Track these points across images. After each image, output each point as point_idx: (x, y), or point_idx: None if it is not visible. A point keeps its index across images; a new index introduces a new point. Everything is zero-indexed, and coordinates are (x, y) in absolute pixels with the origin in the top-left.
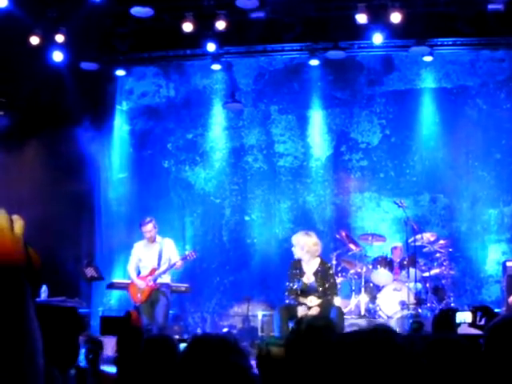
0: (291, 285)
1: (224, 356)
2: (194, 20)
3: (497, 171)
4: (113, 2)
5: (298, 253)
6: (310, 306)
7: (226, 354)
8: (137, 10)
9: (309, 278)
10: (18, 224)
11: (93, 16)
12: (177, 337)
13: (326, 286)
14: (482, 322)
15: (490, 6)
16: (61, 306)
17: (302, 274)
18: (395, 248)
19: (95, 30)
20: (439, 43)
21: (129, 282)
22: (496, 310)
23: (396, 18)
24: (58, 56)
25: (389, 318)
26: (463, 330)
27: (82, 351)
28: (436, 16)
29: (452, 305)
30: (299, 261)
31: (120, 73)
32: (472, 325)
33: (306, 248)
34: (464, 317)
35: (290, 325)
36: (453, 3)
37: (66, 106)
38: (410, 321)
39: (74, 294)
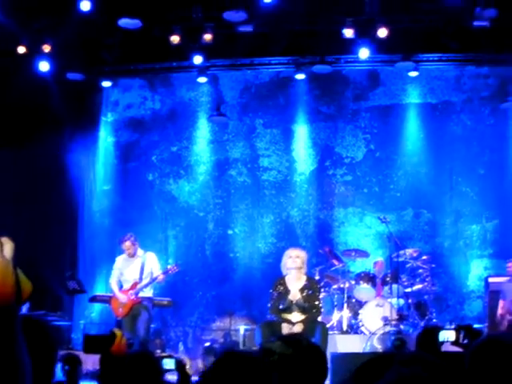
0: (275, 304)
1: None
2: (181, 32)
3: (480, 187)
4: (101, 13)
5: (291, 265)
6: (294, 322)
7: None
8: (124, 22)
9: (294, 296)
10: (8, 247)
11: (80, 26)
12: (158, 351)
13: (312, 303)
14: (466, 341)
15: (476, 23)
16: (39, 320)
17: (287, 291)
18: (377, 262)
19: (82, 40)
20: (425, 59)
21: (111, 295)
22: (478, 326)
23: (382, 33)
24: (44, 66)
25: (371, 334)
26: (446, 348)
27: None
28: (422, 32)
29: (434, 320)
30: (283, 278)
31: (106, 84)
32: (455, 343)
33: (304, 264)
34: (447, 335)
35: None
36: (439, 19)
37: (52, 117)
38: (393, 338)
39: (56, 306)
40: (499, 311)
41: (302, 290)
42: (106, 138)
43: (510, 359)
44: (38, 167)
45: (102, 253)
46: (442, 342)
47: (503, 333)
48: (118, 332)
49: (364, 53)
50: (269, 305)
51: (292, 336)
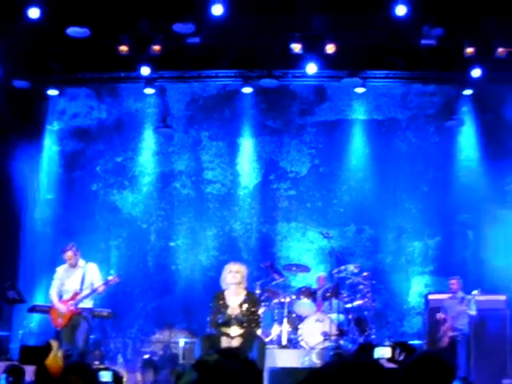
0: (214, 318)
1: None
2: (130, 43)
3: (423, 204)
4: (49, 20)
5: (231, 280)
6: (233, 336)
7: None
8: (73, 30)
9: (234, 310)
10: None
11: (28, 34)
12: (97, 362)
13: (251, 317)
14: (401, 358)
15: (423, 41)
16: None
17: (226, 306)
18: (319, 277)
19: (30, 48)
20: (372, 75)
21: (50, 305)
22: (417, 342)
23: (330, 49)
24: None
25: (311, 348)
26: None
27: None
28: (369, 49)
29: (373, 336)
30: (222, 292)
31: (52, 92)
32: (391, 360)
33: (244, 279)
34: (383, 352)
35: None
36: (386, 37)
37: None
38: (331, 353)
39: None
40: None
41: (241, 305)
42: (50, 147)
43: (442, 376)
44: None
45: (43, 262)
46: (378, 359)
47: (438, 349)
48: (54, 343)
49: (311, 68)
50: (208, 318)
51: (229, 350)
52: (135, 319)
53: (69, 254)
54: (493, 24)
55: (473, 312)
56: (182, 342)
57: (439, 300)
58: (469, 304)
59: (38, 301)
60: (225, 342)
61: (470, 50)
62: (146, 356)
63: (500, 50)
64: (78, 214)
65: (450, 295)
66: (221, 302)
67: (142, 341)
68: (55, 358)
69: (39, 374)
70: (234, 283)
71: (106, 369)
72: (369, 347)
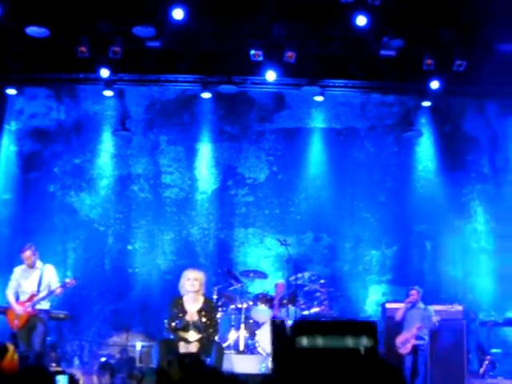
0: (172, 323)
1: None
2: (89, 44)
3: (380, 213)
4: (8, 19)
5: (189, 288)
6: (191, 341)
7: None
8: (32, 30)
9: (192, 316)
10: None
11: None
12: (53, 365)
13: (208, 323)
14: None
15: (383, 52)
16: None
17: (184, 312)
18: (278, 284)
19: None
20: (331, 84)
21: (7, 306)
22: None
23: (290, 56)
24: None
25: (267, 354)
26: None
27: None
28: (329, 58)
29: None
30: (181, 298)
31: (11, 92)
32: None
33: (202, 286)
34: None
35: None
36: (346, 46)
37: None
38: None
39: None
40: (400, 338)
41: (199, 312)
42: (8, 147)
43: None
44: None
45: (0, 263)
46: None
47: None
48: (10, 346)
49: (271, 75)
50: (166, 323)
51: (190, 356)
52: (92, 322)
53: (27, 253)
54: (451, 36)
55: (436, 321)
56: (138, 345)
57: (396, 309)
58: (430, 314)
59: None
60: (182, 347)
61: (429, 62)
62: (103, 359)
63: (458, 62)
64: (35, 215)
65: (409, 305)
66: (179, 308)
67: (99, 344)
68: (12, 361)
69: None
70: (192, 291)
71: (63, 372)
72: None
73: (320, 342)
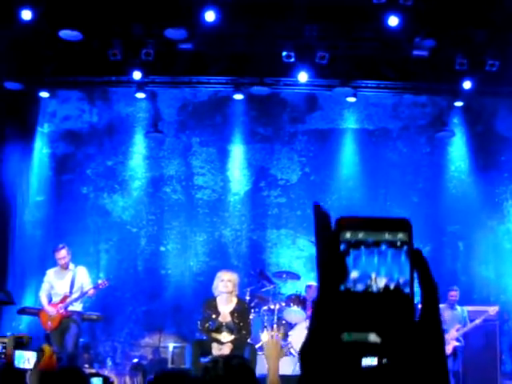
0: (205, 324)
1: None
2: (122, 47)
3: (413, 214)
4: (42, 23)
5: (223, 289)
6: (224, 342)
7: None
8: (65, 33)
9: (225, 318)
10: None
11: (20, 35)
12: (86, 366)
13: (241, 324)
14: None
15: (415, 52)
16: None
17: (217, 313)
18: (310, 287)
19: (22, 49)
20: (363, 85)
21: (40, 308)
22: None
23: (322, 58)
24: None
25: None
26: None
27: None
28: (361, 58)
29: None
30: (214, 299)
31: (44, 94)
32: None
33: (235, 287)
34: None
35: (202, 360)
36: (378, 47)
37: None
38: None
39: None
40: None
41: (232, 313)
42: (41, 149)
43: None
44: None
45: (33, 265)
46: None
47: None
48: (47, 348)
49: (303, 76)
50: (199, 323)
51: (225, 356)
52: (125, 323)
53: (62, 252)
54: (484, 36)
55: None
56: (171, 346)
57: None
58: (464, 315)
59: (28, 303)
60: (215, 348)
61: (461, 62)
62: (135, 360)
63: (490, 62)
64: (68, 217)
65: (445, 305)
66: (212, 309)
67: (132, 345)
68: (50, 361)
69: (32, 379)
70: (225, 292)
71: (97, 374)
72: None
73: (361, 235)
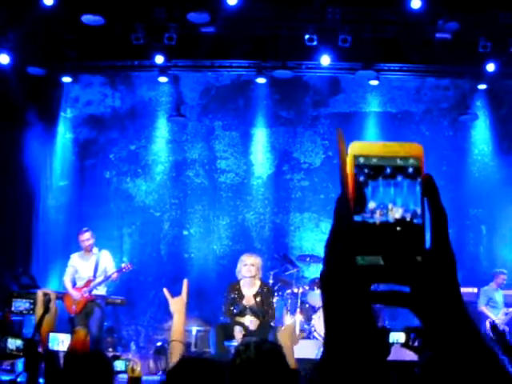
0: (229, 307)
1: None
2: (144, 31)
3: None
4: (64, 8)
5: (246, 274)
6: (247, 325)
7: None
8: (87, 18)
9: (249, 301)
10: None
11: (43, 21)
12: (110, 349)
13: (265, 308)
14: (416, 344)
15: (438, 35)
16: None
17: (241, 296)
18: None
19: (44, 35)
20: (386, 68)
21: (64, 292)
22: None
23: (345, 41)
24: (4, 59)
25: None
26: (396, 351)
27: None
28: (384, 41)
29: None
30: (238, 283)
31: (66, 79)
32: (405, 345)
33: (259, 271)
34: (397, 337)
35: (226, 343)
36: (401, 30)
37: (10, 110)
38: None
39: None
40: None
41: (255, 296)
42: (64, 134)
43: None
44: None
45: (56, 249)
46: (392, 344)
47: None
48: (82, 331)
49: (325, 60)
50: (223, 307)
51: (257, 340)
52: (148, 307)
53: (86, 235)
54: (508, 19)
55: None
56: (194, 329)
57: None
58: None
59: (52, 287)
60: (238, 332)
61: (484, 45)
62: (159, 343)
63: None
64: (92, 202)
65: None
66: (236, 293)
67: (155, 328)
68: (84, 345)
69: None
70: (248, 276)
71: (119, 357)
72: (384, 332)
73: (374, 160)
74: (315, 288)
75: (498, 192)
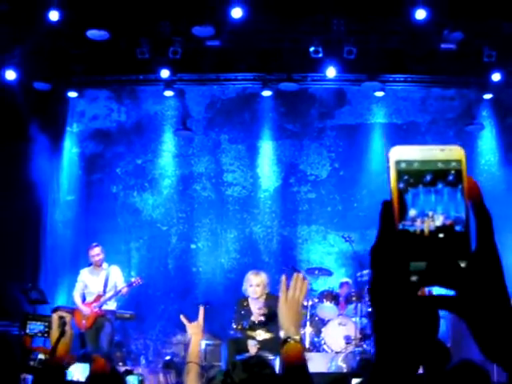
0: (239, 323)
1: None
2: (149, 46)
3: None
4: (69, 23)
5: (252, 295)
6: (259, 339)
7: None
8: (93, 33)
9: (257, 317)
10: None
11: (48, 36)
12: (120, 364)
13: (275, 321)
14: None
15: (443, 45)
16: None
17: (249, 313)
18: (345, 284)
19: (50, 50)
20: (391, 79)
21: (74, 307)
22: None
23: (350, 52)
24: (10, 75)
25: (336, 353)
26: None
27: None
28: (389, 53)
29: None
30: (246, 299)
31: (72, 94)
32: None
33: (265, 288)
34: None
35: (238, 357)
36: (406, 41)
37: (17, 125)
38: (358, 357)
39: (17, 317)
40: None
41: (264, 312)
42: (70, 149)
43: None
44: (1, 175)
45: (64, 264)
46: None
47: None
48: (100, 358)
49: (331, 72)
50: (233, 322)
51: (253, 359)
52: (157, 321)
53: (96, 249)
54: None
55: None
56: (203, 343)
57: None
58: None
59: (60, 302)
60: (251, 346)
61: (490, 54)
62: (168, 357)
63: None
64: (99, 216)
65: None
66: (245, 309)
67: (164, 342)
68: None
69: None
70: (255, 298)
71: (132, 372)
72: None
73: (416, 165)
74: (324, 301)
75: (504, 202)
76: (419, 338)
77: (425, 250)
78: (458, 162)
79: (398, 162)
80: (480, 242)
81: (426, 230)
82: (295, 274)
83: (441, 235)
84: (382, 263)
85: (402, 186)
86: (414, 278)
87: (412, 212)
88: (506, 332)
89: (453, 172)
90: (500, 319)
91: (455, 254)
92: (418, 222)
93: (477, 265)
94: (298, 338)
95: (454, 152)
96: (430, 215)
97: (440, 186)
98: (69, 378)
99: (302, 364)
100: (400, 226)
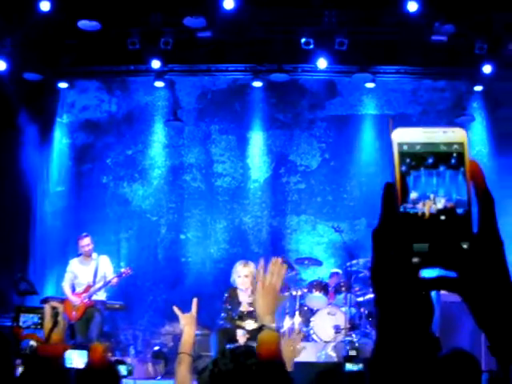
0: (229, 313)
1: None
2: (140, 36)
3: None
4: (60, 13)
5: (241, 286)
6: (248, 329)
7: None
8: (84, 24)
9: (246, 307)
10: None
11: (39, 26)
12: (109, 354)
13: None
14: None
15: (434, 37)
16: None
17: (238, 303)
18: (335, 274)
19: (40, 40)
20: (382, 71)
21: (64, 298)
22: None
23: (341, 44)
24: (0, 65)
25: (326, 342)
26: None
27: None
28: (380, 44)
29: None
30: (234, 290)
31: (62, 85)
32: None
33: (253, 279)
34: None
35: (228, 347)
36: (397, 32)
37: (6, 116)
38: (347, 347)
39: (6, 308)
40: None
41: (253, 301)
42: (60, 140)
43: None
44: None
45: (54, 254)
46: None
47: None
48: (99, 346)
49: (322, 63)
50: (222, 313)
51: (241, 348)
52: (145, 311)
53: (86, 240)
54: (504, 20)
55: None
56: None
57: (453, 295)
58: None
59: (49, 293)
60: (240, 335)
61: (481, 46)
62: (156, 348)
63: (511, 46)
64: (88, 207)
65: None
66: (234, 300)
67: (152, 333)
68: (102, 360)
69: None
70: (243, 289)
71: (122, 362)
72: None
73: (418, 147)
74: (314, 290)
75: (495, 194)
76: (418, 322)
77: (427, 232)
78: (460, 144)
79: (400, 144)
80: (482, 224)
81: (427, 213)
82: (273, 258)
83: (442, 217)
84: (385, 245)
85: (404, 168)
86: (415, 260)
87: (413, 194)
88: (507, 313)
89: (455, 155)
90: (502, 300)
91: (457, 236)
92: (420, 205)
93: (479, 246)
94: (273, 326)
95: (456, 134)
96: (432, 198)
97: (442, 168)
98: (67, 364)
99: (276, 353)
100: (401, 209)
